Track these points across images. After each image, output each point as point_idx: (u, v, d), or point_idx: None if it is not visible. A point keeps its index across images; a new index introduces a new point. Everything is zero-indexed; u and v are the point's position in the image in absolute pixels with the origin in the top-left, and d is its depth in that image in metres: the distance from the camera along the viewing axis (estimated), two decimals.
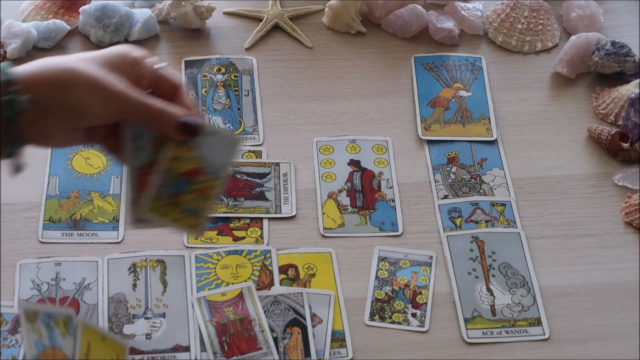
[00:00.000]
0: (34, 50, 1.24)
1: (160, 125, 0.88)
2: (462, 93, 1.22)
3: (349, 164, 1.14)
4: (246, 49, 1.26)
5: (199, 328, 0.97)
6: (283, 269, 1.03)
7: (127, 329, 0.97)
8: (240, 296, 1.00)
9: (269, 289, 1.01)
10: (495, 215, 1.09)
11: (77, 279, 1.01)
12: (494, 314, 1.01)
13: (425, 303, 1.01)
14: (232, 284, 1.02)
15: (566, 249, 1.07)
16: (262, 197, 1.10)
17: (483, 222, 1.09)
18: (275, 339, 0.97)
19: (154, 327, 0.98)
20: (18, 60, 1.22)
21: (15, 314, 0.97)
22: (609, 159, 1.16)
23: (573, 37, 1.25)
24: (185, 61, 1.24)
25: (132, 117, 0.87)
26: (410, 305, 1.01)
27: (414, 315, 1.01)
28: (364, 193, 1.11)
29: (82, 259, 1.03)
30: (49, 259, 1.03)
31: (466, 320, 1.00)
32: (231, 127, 1.17)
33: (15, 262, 1.02)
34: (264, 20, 1.29)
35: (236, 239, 1.06)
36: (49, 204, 1.08)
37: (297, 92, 1.22)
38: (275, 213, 1.09)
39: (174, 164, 0.89)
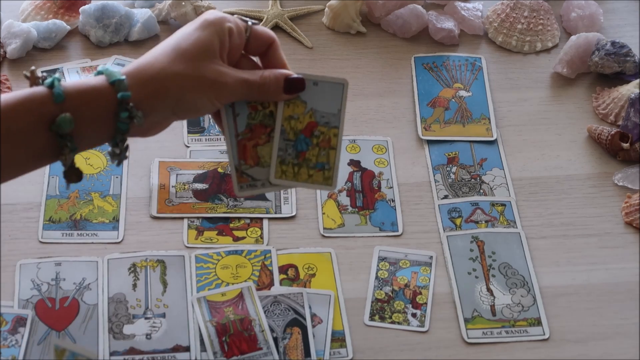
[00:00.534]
0: (33, 50, 1.24)
1: (265, 94, 0.90)
2: (462, 93, 1.22)
3: (349, 164, 1.14)
4: None
5: (199, 328, 0.97)
6: (283, 269, 1.03)
7: (127, 329, 0.97)
8: (240, 296, 1.00)
9: (269, 289, 1.01)
10: (495, 215, 1.09)
11: (77, 279, 1.01)
12: (494, 314, 1.01)
13: (425, 303, 1.01)
14: (232, 284, 1.02)
15: (566, 249, 1.07)
16: (262, 197, 1.10)
17: (483, 222, 1.09)
18: (275, 339, 0.97)
19: (154, 327, 0.98)
20: (18, 60, 1.22)
21: (15, 314, 0.97)
22: (609, 159, 1.16)
23: (573, 37, 1.25)
24: None
25: (239, 99, 0.90)
26: (410, 305, 1.01)
27: (414, 315, 1.01)
28: (364, 193, 1.11)
29: (82, 259, 1.03)
30: (49, 259, 1.03)
31: (466, 320, 1.00)
32: None
33: (15, 262, 1.02)
34: (264, 20, 1.29)
35: (236, 239, 1.06)
36: (49, 204, 1.07)
37: None
38: (275, 213, 1.09)
39: (289, 124, 0.91)
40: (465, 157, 1.15)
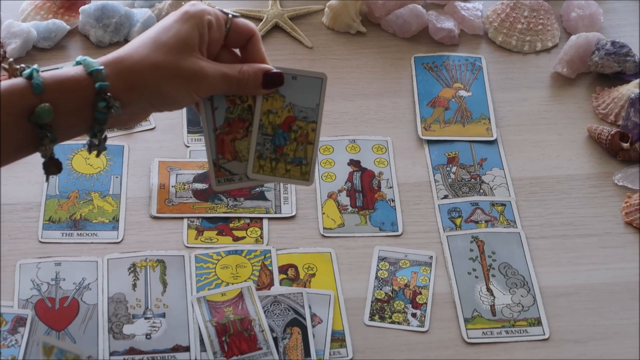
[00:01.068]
0: (33, 50, 1.24)
1: (244, 88, 0.90)
2: (462, 93, 1.22)
3: (349, 164, 1.14)
4: None
5: (199, 328, 0.97)
6: (283, 269, 1.03)
7: (127, 329, 0.97)
8: (240, 296, 1.00)
9: (269, 289, 1.01)
10: (495, 215, 1.09)
11: (77, 279, 1.01)
12: (494, 314, 1.01)
13: (425, 303, 1.01)
14: (232, 284, 1.02)
15: (566, 249, 1.07)
16: (262, 197, 1.10)
17: (483, 222, 1.09)
18: (275, 339, 0.97)
19: (154, 327, 0.98)
20: (18, 61, 1.22)
21: (15, 314, 0.97)
22: (609, 159, 1.16)
23: (573, 37, 1.25)
24: None
25: (218, 92, 0.90)
26: (410, 305, 1.01)
27: (414, 315, 1.01)
28: (364, 193, 1.11)
29: (82, 259, 1.03)
30: (49, 259, 1.03)
31: (466, 320, 1.00)
32: None
33: (15, 262, 1.02)
34: (264, 20, 1.29)
35: (236, 239, 1.06)
36: (49, 204, 1.07)
37: None
38: (275, 213, 1.09)
39: (267, 118, 0.91)
40: (465, 157, 1.15)
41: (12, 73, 0.85)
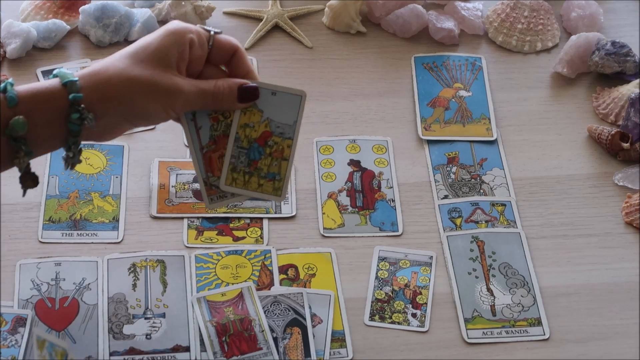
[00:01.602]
0: (33, 50, 1.24)
1: (220, 103, 0.90)
2: (462, 93, 1.22)
3: (349, 164, 1.14)
4: (246, 49, 1.26)
5: (199, 328, 0.97)
6: (283, 269, 1.03)
7: (127, 329, 0.97)
8: (240, 296, 1.00)
9: (269, 289, 1.01)
10: (495, 215, 1.09)
11: (77, 279, 1.01)
12: (494, 314, 1.01)
13: (425, 303, 1.01)
14: (232, 284, 1.02)
15: (566, 249, 1.07)
16: None
17: (483, 222, 1.09)
18: (275, 339, 0.97)
19: (154, 327, 0.98)
20: (18, 60, 1.22)
21: (15, 314, 0.97)
22: (609, 159, 1.16)
23: (573, 37, 1.25)
24: None
25: (194, 108, 0.89)
26: (410, 305, 1.01)
27: (414, 315, 1.01)
28: (364, 193, 1.11)
29: (82, 259, 1.03)
30: (49, 259, 1.03)
31: (466, 321, 1.00)
32: None
33: (15, 262, 1.02)
34: (264, 20, 1.29)
35: (236, 239, 1.06)
36: (49, 204, 1.07)
37: None
38: (275, 213, 1.08)
39: (243, 131, 0.91)
40: (466, 157, 1.15)
41: None
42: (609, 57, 1.22)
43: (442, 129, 1.18)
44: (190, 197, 1.09)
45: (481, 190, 1.12)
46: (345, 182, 1.12)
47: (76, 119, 0.84)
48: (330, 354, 0.97)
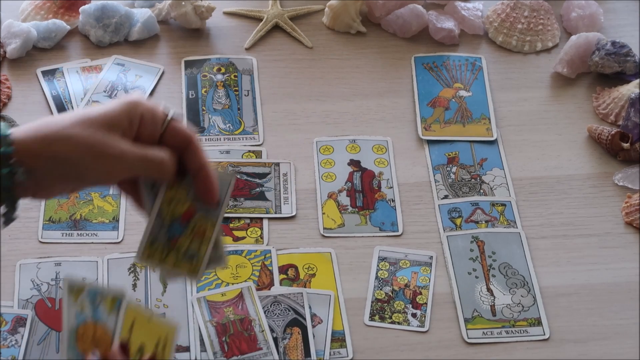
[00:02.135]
0: (33, 50, 1.24)
1: (155, 171, 0.85)
2: (462, 93, 1.22)
3: (349, 164, 1.14)
4: (246, 49, 1.26)
5: (199, 328, 0.97)
6: (283, 269, 1.03)
7: None
8: (240, 296, 1.00)
9: (269, 289, 1.01)
10: (495, 215, 1.09)
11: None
12: (494, 314, 1.01)
13: (425, 303, 1.01)
14: (232, 284, 1.02)
15: (566, 249, 1.07)
16: (262, 197, 1.10)
17: (483, 222, 1.09)
18: (275, 339, 0.97)
19: None
20: (18, 60, 1.22)
21: (15, 314, 0.97)
22: (609, 159, 1.16)
23: (573, 37, 1.25)
24: (185, 61, 1.24)
25: (133, 174, 0.85)
26: (410, 305, 1.01)
27: (414, 315, 1.01)
28: (364, 193, 1.11)
29: (82, 259, 1.03)
30: (49, 259, 1.03)
31: (466, 320, 1.00)
32: (231, 127, 1.17)
33: (15, 262, 1.02)
34: (264, 20, 1.29)
35: (236, 239, 1.06)
36: (49, 204, 1.07)
37: (297, 92, 1.22)
38: (275, 213, 1.09)
39: (168, 206, 0.87)
40: (466, 157, 1.15)
41: None
42: (609, 57, 1.22)
43: (442, 129, 1.18)
44: None
45: (481, 190, 1.12)
46: (345, 182, 1.12)
47: (6, 173, 0.81)
48: (330, 354, 0.97)
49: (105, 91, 1.19)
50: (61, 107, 1.17)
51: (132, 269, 1.02)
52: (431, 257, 1.05)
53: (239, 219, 1.08)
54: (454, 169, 1.14)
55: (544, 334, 0.99)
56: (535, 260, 1.05)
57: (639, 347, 0.98)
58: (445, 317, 1.00)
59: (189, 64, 1.24)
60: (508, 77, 1.25)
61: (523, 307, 1.01)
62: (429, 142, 1.17)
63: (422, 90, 1.22)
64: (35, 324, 0.97)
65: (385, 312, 1.01)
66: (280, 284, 1.02)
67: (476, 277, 1.04)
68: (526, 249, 1.06)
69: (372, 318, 1.00)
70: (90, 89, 1.19)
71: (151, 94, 1.20)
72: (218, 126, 1.17)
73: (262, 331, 0.97)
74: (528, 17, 1.30)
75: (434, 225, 1.08)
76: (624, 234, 1.08)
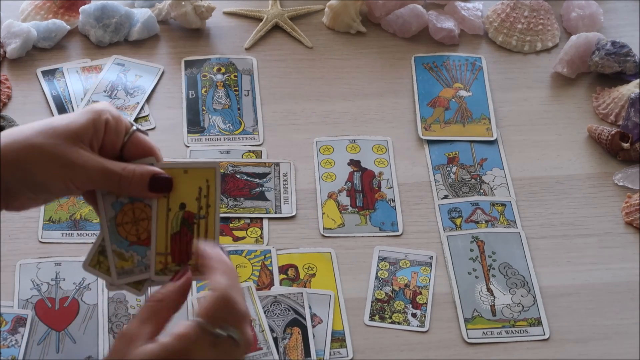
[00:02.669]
0: (33, 50, 1.24)
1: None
2: (462, 93, 1.22)
3: (349, 164, 1.14)
4: (246, 49, 1.26)
5: None
6: (283, 269, 1.03)
7: None
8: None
9: (269, 289, 1.01)
10: (495, 215, 1.09)
11: (77, 279, 1.01)
12: (494, 314, 1.01)
13: (425, 303, 1.01)
14: None
15: (566, 249, 1.07)
16: (262, 197, 1.10)
17: (483, 222, 1.09)
18: (275, 339, 0.97)
19: None
20: (18, 60, 1.22)
21: (15, 314, 0.97)
22: (609, 159, 1.16)
23: (573, 37, 1.25)
24: (185, 61, 1.24)
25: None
26: (410, 305, 1.01)
27: (414, 315, 1.01)
28: (364, 193, 1.11)
29: (82, 259, 1.02)
30: (49, 259, 1.03)
31: (466, 320, 1.00)
32: (231, 127, 1.17)
33: (15, 262, 1.02)
34: (264, 20, 1.29)
35: (236, 239, 1.06)
36: (49, 204, 1.07)
37: (297, 92, 1.22)
38: (275, 213, 1.09)
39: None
40: (466, 157, 1.15)
41: None
42: (609, 57, 1.22)
43: (442, 129, 1.18)
44: None
45: (481, 190, 1.12)
46: (345, 182, 1.12)
47: None
48: (330, 354, 0.97)
49: (105, 91, 1.19)
50: (61, 107, 1.17)
51: None
52: (431, 257, 1.05)
53: (239, 219, 1.08)
54: (454, 169, 1.14)
55: (544, 334, 0.99)
56: (535, 260, 1.05)
57: (639, 347, 0.98)
58: (445, 317, 1.00)
59: (189, 64, 1.24)
60: (508, 77, 1.25)
61: (523, 307, 1.01)
62: (429, 142, 1.17)
63: (422, 90, 1.22)
64: (35, 324, 0.97)
65: (385, 312, 1.01)
66: (280, 284, 1.02)
67: (476, 277, 1.04)
68: (526, 249, 1.06)
69: (372, 318, 1.00)
70: (90, 89, 1.19)
71: (151, 94, 1.20)
72: (218, 126, 1.17)
73: (262, 331, 0.97)
74: (528, 17, 1.30)
75: (434, 225, 1.09)
76: (624, 234, 1.08)
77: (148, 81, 1.21)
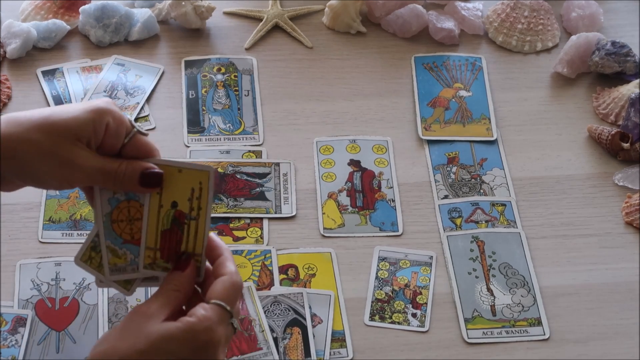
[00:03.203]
0: (33, 50, 1.24)
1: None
2: (462, 93, 1.22)
3: (349, 164, 1.14)
4: (246, 49, 1.26)
5: None
6: (283, 269, 1.03)
7: None
8: (241, 296, 1.00)
9: (269, 289, 1.01)
10: (495, 215, 1.09)
11: (77, 279, 1.01)
12: (494, 314, 1.01)
13: (426, 303, 1.01)
14: None
15: (566, 249, 1.07)
16: (262, 197, 1.10)
17: (483, 222, 1.09)
18: (275, 339, 0.97)
19: None
20: (18, 60, 1.22)
21: (15, 314, 0.97)
22: (609, 159, 1.16)
23: (573, 37, 1.25)
24: (185, 61, 1.24)
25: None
26: (410, 305, 1.01)
27: (414, 315, 1.01)
28: (364, 193, 1.11)
29: None
30: (49, 259, 1.03)
31: (466, 320, 1.00)
32: (231, 127, 1.17)
33: (15, 262, 1.02)
34: (264, 20, 1.29)
35: (236, 239, 1.06)
36: (49, 204, 1.07)
37: (297, 92, 1.22)
38: (275, 213, 1.09)
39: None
40: (466, 157, 1.15)
41: None
42: (609, 57, 1.22)
43: (442, 129, 1.18)
44: None
45: (481, 190, 1.12)
46: (345, 182, 1.12)
47: None
48: (330, 354, 0.97)
49: (105, 91, 1.19)
50: None
51: None
52: (431, 257, 1.05)
53: (239, 219, 1.08)
54: (454, 169, 1.14)
55: (544, 334, 0.99)
56: (535, 260, 1.05)
57: (639, 347, 0.98)
58: (445, 317, 1.00)
59: (189, 64, 1.24)
60: (508, 77, 1.25)
61: (523, 307, 1.01)
62: (429, 142, 1.17)
63: (422, 90, 1.22)
64: (35, 324, 0.97)
65: (385, 312, 1.01)
66: (280, 284, 1.02)
67: (476, 277, 1.04)
68: (526, 249, 1.06)
69: (372, 318, 1.00)
70: (91, 89, 1.19)
71: (151, 94, 1.20)
72: (218, 126, 1.17)
73: (262, 331, 0.97)
74: (528, 17, 1.30)
75: (434, 225, 1.09)
76: (624, 234, 1.08)
77: (148, 81, 1.21)
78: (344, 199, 1.10)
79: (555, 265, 1.05)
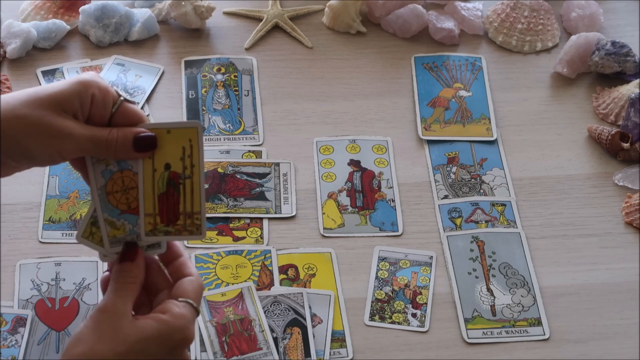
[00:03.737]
0: (33, 50, 1.24)
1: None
2: (462, 93, 1.22)
3: (349, 164, 1.14)
4: (246, 49, 1.26)
5: (199, 328, 0.97)
6: (283, 269, 1.03)
7: None
8: (240, 296, 1.00)
9: (269, 289, 1.01)
10: (495, 215, 1.09)
11: (77, 279, 1.01)
12: (494, 314, 1.01)
13: (425, 303, 1.01)
14: (232, 284, 1.02)
15: (566, 249, 1.07)
16: (262, 197, 1.10)
17: (483, 222, 1.09)
18: (275, 339, 0.97)
19: None
20: (18, 60, 1.22)
21: (15, 314, 0.97)
22: (609, 159, 1.16)
23: (573, 37, 1.25)
24: (185, 61, 1.24)
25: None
26: (410, 305, 1.01)
27: (414, 315, 1.01)
28: (364, 193, 1.11)
29: (82, 259, 1.03)
30: (49, 259, 1.03)
31: (466, 320, 1.00)
32: (231, 127, 1.17)
33: (15, 262, 1.02)
34: (264, 20, 1.29)
35: (236, 239, 1.06)
36: (49, 204, 1.07)
37: (297, 92, 1.22)
38: (275, 213, 1.09)
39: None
40: (466, 157, 1.15)
41: None
42: (609, 57, 1.22)
43: (442, 129, 1.18)
44: None
45: (481, 190, 1.12)
46: (345, 182, 1.12)
47: None
48: (330, 354, 0.97)
49: None
50: None
51: None
52: (431, 257, 1.05)
53: (239, 219, 1.08)
54: (454, 169, 1.14)
55: (544, 334, 0.99)
56: (535, 260, 1.05)
57: (639, 347, 0.98)
58: (445, 317, 1.00)
59: (189, 64, 1.24)
60: (508, 77, 1.25)
61: (523, 307, 1.01)
62: (429, 142, 1.17)
63: (422, 90, 1.22)
64: (35, 324, 0.97)
65: (385, 312, 1.01)
66: (280, 284, 1.02)
67: (476, 277, 1.04)
68: (526, 249, 1.06)
69: (372, 318, 1.00)
70: None
71: (151, 94, 1.20)
72: (218, 126, 1.17)
73: (262, 331, 0.97)
74: (528, 17, 1.30)
75: (434, 225, 1.09)
76: (624, 234, 1.08)
77: (148, 81, 1.21)
78: (344, 199, 1.10)
79: (555, 265, 1.05)
